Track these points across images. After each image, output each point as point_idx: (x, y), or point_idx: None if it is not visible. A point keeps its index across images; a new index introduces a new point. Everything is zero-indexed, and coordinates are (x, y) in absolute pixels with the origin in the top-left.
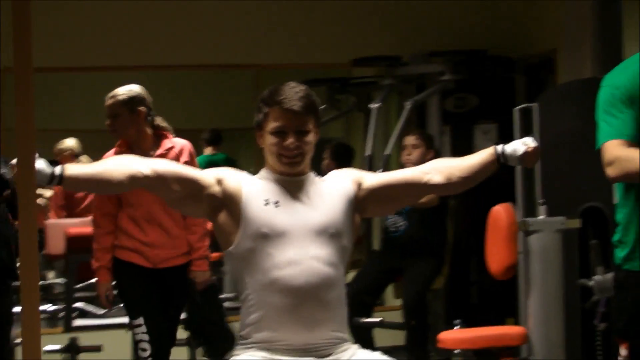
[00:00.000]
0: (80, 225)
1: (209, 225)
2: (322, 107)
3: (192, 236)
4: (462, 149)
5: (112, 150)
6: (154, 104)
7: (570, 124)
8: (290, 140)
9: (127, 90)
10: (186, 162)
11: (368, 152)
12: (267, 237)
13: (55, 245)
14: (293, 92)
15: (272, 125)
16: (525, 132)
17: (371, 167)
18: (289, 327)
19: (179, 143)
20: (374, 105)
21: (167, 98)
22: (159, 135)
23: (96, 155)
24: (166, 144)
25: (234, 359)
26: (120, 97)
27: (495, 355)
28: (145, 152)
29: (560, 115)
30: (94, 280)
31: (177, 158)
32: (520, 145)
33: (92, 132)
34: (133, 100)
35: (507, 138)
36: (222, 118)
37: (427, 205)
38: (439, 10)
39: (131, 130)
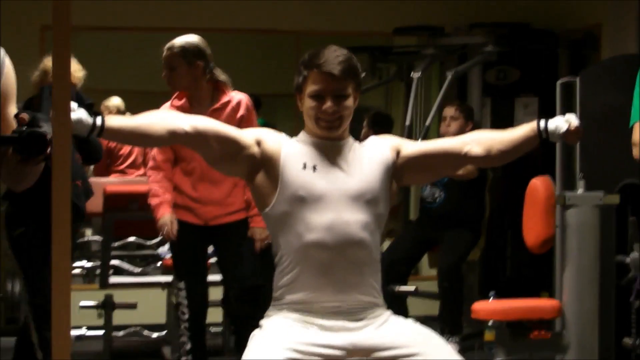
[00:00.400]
0: (119, 184)
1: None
2: (363, 75)
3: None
4: (502, 121)
5: (169, 103)
6: None
7: (612, 100)
8: (328, 105)
9: (185, 42)
10: (242, 117)
11: (408, 121)
12: (304, 200)
13: (93, 202)
14: (333, 56)
15: (310, 88)
16: (567, 107)
17: (410, 137)
18: (322, 290)
19: (236, 97)
20: (415, 75)
21: None
22: (217, 89)
23: None
24: (223, 97)
25: (266, 320)
26: (177, 50)
27: (528, 327)
28: (202, 105)
29: (602, 90)
30: (131, 238)
31: (234, 112)
32: (563, 122)
33: (136, 92)
34: (191, 53)
35: (548, 112)
36: (262, 83)
37: (466, 178)
38: None
39: (188, 83)
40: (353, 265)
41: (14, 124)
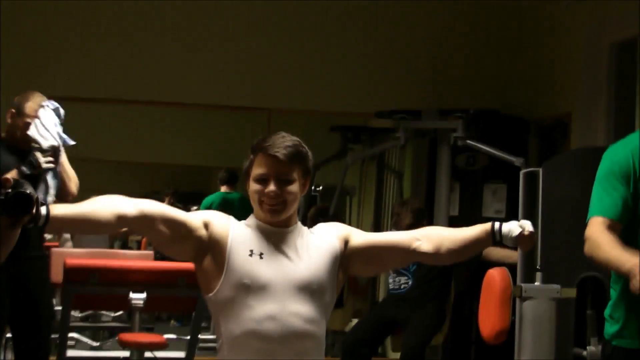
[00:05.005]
0: (79, 256)
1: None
2: (334, 154)
3: None
4: (470, 206)
5: None
6: (166, 138)
7: (574, 192)
8: (271, 188)
9: None
10: None
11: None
12: (249, 288)
13: (57, 273)
14: (280, 141)
15: (255, 171)
16: (530, 196)
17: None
18: None
19: None
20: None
21: (180, 135)
22: None
23: None
24: None
25: None
26: None
27: None
28: None
29: (565, 181)
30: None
31: None
32: (517, 227)
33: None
34: None
35: (516, 199)
36: (234, 158)
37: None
38: (459, 67)
39: None
40: (296, 357)
41: None
